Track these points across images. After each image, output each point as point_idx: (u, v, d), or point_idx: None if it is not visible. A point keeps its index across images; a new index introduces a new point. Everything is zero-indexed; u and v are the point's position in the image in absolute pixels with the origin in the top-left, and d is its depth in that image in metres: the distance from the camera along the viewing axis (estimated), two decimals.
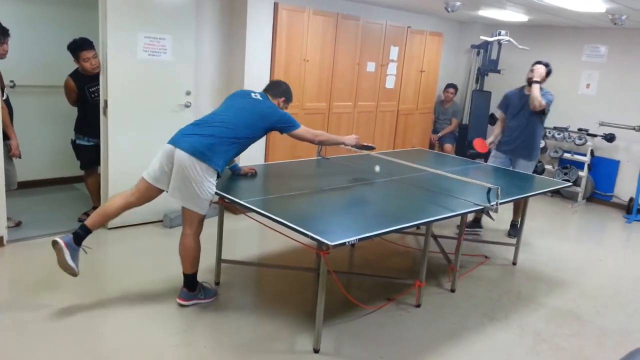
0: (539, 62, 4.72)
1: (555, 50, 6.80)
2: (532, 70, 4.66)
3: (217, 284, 3.47)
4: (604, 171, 6.54)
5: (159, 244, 4.15)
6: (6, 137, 3.85)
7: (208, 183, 2.90)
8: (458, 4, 4.97)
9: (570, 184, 4.82)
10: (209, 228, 3.92)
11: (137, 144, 4.23)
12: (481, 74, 7.09)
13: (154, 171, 2.98)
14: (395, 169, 3.93)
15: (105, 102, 4.06)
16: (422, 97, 6.70)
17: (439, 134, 7.05)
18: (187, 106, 4.46)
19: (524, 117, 4.73)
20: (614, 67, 6.40)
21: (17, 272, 3.47)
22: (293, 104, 5.11)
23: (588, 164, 6.34)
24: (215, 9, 4.74)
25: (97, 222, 3.01)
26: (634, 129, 6.07)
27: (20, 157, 4.03)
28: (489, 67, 6.93)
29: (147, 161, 4.28)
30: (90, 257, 3.86)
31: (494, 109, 7.18)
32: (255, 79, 4.79)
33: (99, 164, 4.31)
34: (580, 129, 6.47)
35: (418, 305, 3.41)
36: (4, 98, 3.83)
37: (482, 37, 6.79)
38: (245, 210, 3.01)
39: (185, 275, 3.11)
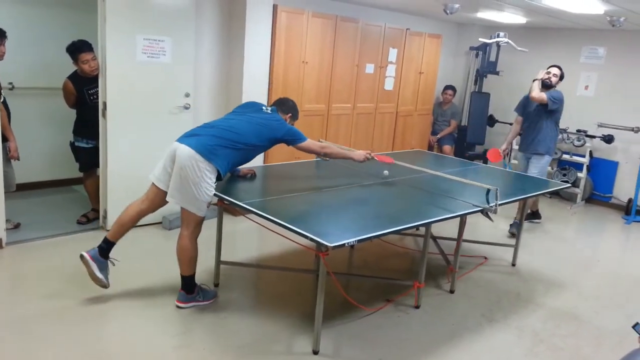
0: (554, 66, 5.08)
1: (554, 52, 6.82)
2: (548, 72, 4.99)
3: (217, 285, 3.47)
4: (602, 172, 6.55)
5: (158, 245, 4.15)
6: (5, 139, 3.86)
7: (206, 184, 2.90)
8: (456, 6, 4.99)
9: (569, 185, 4.83)
10: (208, 230, 3.92)
11: (136, 146, 4.23)
12: (480, 76, 7.11)
13: (158, 171, 3.03)
14: (394, 171, 3.93)
15: (104, 104, 4.07)
16: (420, 99, 6.72)
17: (438, 136, 7.06)
18: (186, 108, 4.47)
19: (534, 116, 5.05)
20: (612, 68, 6.42)
21: (15, 274, 3.47)
22: None
23: (587, 165, 6.35)
24: (214, 11, 4.75)
25: (116, 232, 3.11)
26: (633, 130, 6.08)
27: (18, 159, 4.03)
28: (487, 68, 6.94)
29: (146, 163, 4.28)
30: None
31: (493, 110, 7.22)
32: (254, 81, 4.80)
33: (97, 166, 4.31)
34: (578, 130, 6.48)
35: (417, 307, 3.42)
36: (1, 100, 3.83)
37: (480, 39, 6.80)
38: (244, 211, 3.01)
39: (182, 277, 3.11)
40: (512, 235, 4.94)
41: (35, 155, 4.99)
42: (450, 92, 7.03)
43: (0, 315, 2.91)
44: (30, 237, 4.00)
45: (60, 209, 4.68)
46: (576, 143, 6.44)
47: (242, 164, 3.25)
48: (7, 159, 3.95)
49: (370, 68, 5.86)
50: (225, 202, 3.11)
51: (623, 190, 6.43)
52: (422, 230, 3.45)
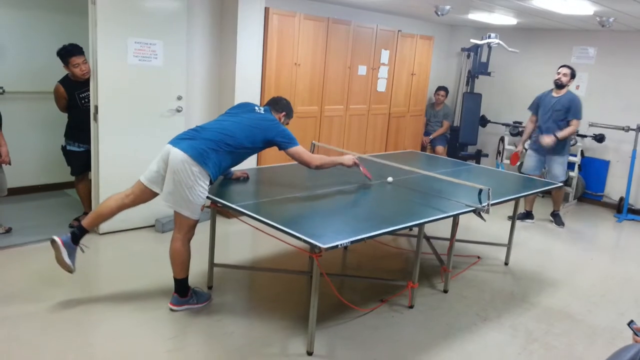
0: (564, 66, 5.22)
1: (545, 52, 6.87)
2: (558, 73, 5.16)
3: (210, 288, 3.47)
4: (594, 171, 6.60)
5: (151, 248, 4.13)
6: None
7: (200, 188, 2.89)
8: (448, 7, 5.01)
9: (561, 184, 4.86)
10: (201, 232, 3.91)
11: (128, 150, 4.22)
12: (472, 77, 7.14)
13: (150, 173, 3.02)
14: (387, 172, 3.94)
15: (96, 107, 4.05)
16: (413, 100, 6.74)
17: (431, 137, 7.08)
18: (178, 111, 4.46)
19: (552, 119, 5.19)
20: (602, 68, 6.47)
21: (6, 280, 3.44)
22: None
23: (578, 165, 6.39)
24: (206, 14, 4.74)
25: (92, 222, 3.11)
26: (623, 130, 6.12)
27: (10, 164, 4.01)
28: (479, 69, 6.98)
29: (138, 166, 4.26)
30: (82, 262, 3.84)
31: (485, 110, 7.26)
32: (247, 83, 4.80)
33: (89, 169, 4.29)
34: None
35: (411, 307, 3.42)
36: None
37: (472, 40, 6.84)
38: (237, 214, 3.01)
39: (175, 280, 3.10)
40: (558, 225, 5.51)
41: (26, 159, 4.96)
42: (442, 93, 7.06)
43: None
44: (21, 241, 3.98)
45: (52, 213, 4.66)
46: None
47: (234, 166, 3.25)
48: None
49: (362, 70, 5.88)
50: (219, 204, 3.10)
51: (615, 188, 6.48)
52: (416, 230, 3.46)
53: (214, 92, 4.95)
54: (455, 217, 3.48)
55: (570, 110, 5.14)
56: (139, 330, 2.91)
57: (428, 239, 4.15)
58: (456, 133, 7.16)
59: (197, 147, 2.88)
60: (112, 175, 4.17)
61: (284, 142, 3.18)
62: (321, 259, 2.61)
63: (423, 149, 7.08)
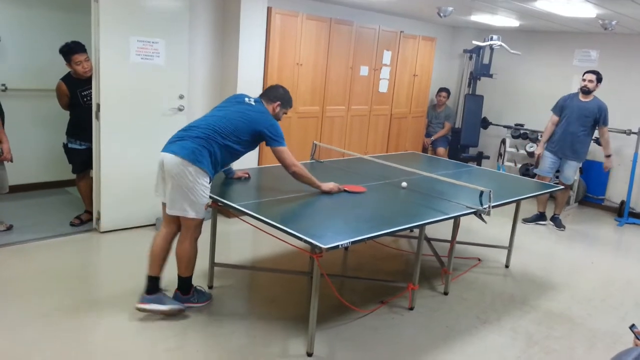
0: (589, 72, 5.26)
1: (547, 54, 6.86)
2: (584, 80, 5.21)
3: (210, 287, 3.47)
4: (595, 175, 6.59)
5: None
6: None
7: (200, 186, 2.87)
8: (450, 9, 5.01)
9: (562, 187, 4.86)
10: (202, 232, 3.91)
11: (130, 148, 4.22)
12: (473, 78, 7.14)
13: (157, 185, 3.00)
14: (389, 173, 3.94)
15: (98, 105, 4.05)
16: (415, 101, 6.73)
17: (432, 138, 7.08)
18: (180, 110, 4.46)
19: (579, 124, 5.24)
20: (604, 71, 6.41)
21: (7, 277, 3.44)
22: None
23: (580, 168, 6.38)
24: (208, 13, 4.74)
25: (152, 266, 3.05)
26: (625, 133, 6.12)
27: (12, 161, 4.01)
28: (481, 71, 6.98)
29: (139, 165, 4.29)
30: (82, 260, 3.85)
31: (486, 112, 7.25)
32: (249, 83, 4.80)
33: (91, 167, 4.30)
34: None
35: (411, 308, 3.42)
36: None
37: (474, 42, 6.83)
38: (238, 213, 3.01)
39: (179, 278, 3.10)
40: (559, 228, 5.52)
41: (28, 157, 4.96)
42: (444, 94, 7.05)
43: None
44: (22, 239, 3.98)
45: (53, 211, 4.66)
46: None
47: (231, 162, 3.17)
48: (0, 161, 3.93)
49: (364, 70, 5.87)
50: (219, 203, 3.10)
51: (616, 192, 6.47)
52: (416, 232, 3.46)
53: (216, 91, 4.95)
54: (456, 219, 3.48)
55: (599, 117, 5.20)
56: (139, 329, 2.91)
57: (429, 240, 4.14)
58: (457, 135, 7.15)
59: (188, 146, 2.84)
60: (113, 174, 4.18)
61: (271, 138, 3.04)
62: (322, 259, 2.61)
63: (424, 150, 7.07)
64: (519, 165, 6.98)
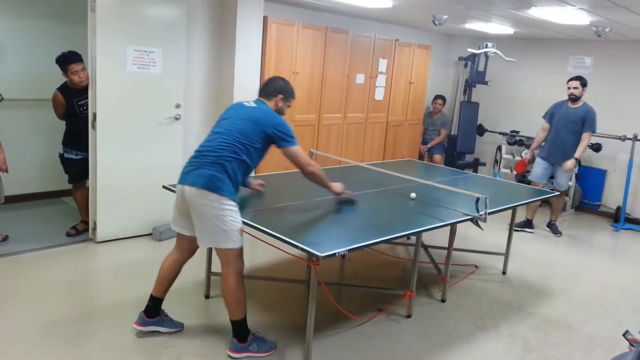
0: (572, 79, 5.28)
1: (541, 61, 6.91)
2: (569, 88, 5.23)
3: (207, 297, 3.45)
4: (591, 180, 6.62)
5: (148, 257, 4.11)
6: None
7: (228, 212, 2.62)
8: (445, 17, 5.05)
9: (558, 193, 4.88)
10: None
11: (126, 157, 4.22)
12: (469, 86, 7.17)
13: (175, 218, 2.83)
14: (385, 180, 3.95)
15: (94, 115, 4.05)
16: (411, 109, 6.77)
17: (428, 145, 7.10)
18: (176, 119, 4.46)
19: (568, 130, 5.26)
20: (599, 78, 6.51)
21: (2, 288, 3.42)
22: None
23: (576, 174, 6.41)
24: (205, 22, 4.77)
25: (158, 288, 2.92)
26: (620, 139, 6.15)
27: (7, 171, 4.00)
28: (476, 78, 7.01)
29: (136, 174, 4.28)
30: (78, 271, 3.83)
31: (482, 119, 7.28)
32: (245, 92, 4.80)
33: (87, 177, 4.29)
34: None
35: (409, 316, 3.42)
36: None
37: (469, 50, 6.88)
38: None
39: (232, 322, 2.76)
40: (555, 234, 5.53)
41: (24, 167, 4.95)
42: (440, 101, 7.08)
43: None
44: (18, 249, 3.96)
45: (49, 221, 4.64)
46: None
47: (249, 174, 2.99)
48: None
49: (360, 78, 5.90)
50: None
51: (611, 198, 6.49)
52: (413, 239, 3.46)
53: (213, 100, 4.96)
54: (453, 226, 3.49)
55: (585, 122, 5.20)
56: (136, 340, 2.90)
57: (426, 247, 4.15)
58: (453, 142, 7.18)
59: (204, 175, 2.62)
60: (109, 183, 4.17)
61: (281, 138, 2.81)
62: (319, 267, 2.60)
63: (421, 157, 7.09)
64: (515, 172, 7.00)
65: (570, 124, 5.25)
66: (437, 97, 7.11)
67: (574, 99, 5.24)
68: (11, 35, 4.77)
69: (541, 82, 6.95)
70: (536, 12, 4.57)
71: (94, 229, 4.26)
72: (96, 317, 3.11)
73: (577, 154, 5.25)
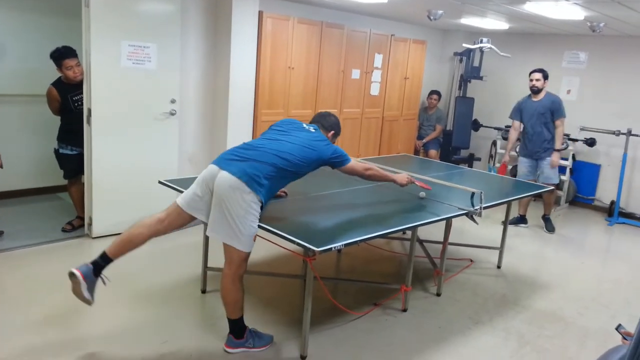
0: (534, 71, 5.27)
1: (536, 56, 6.92)
2: (531, 80, 5.24)
3: (204, 292, 3.46)
4: (585, 175, 6.65)
5: (144, 253, 4.09)
6: None
7: (251, 217, 2.56)
8: (440, 12, 5.05)
9: (552, 188, 4.90)
10: (195, 236, 3.91)
11: (121, 153, 4.21)
12: (464, 81, 7.19)
13: (191, 197, 2.68)
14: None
15: (89, 110, 4.04)
16: (406, 104, 6.77)
17: (424, 140, 7.11)
18: (172, 114, 4.45)
19: (539, 122, 5.27)
20: (593, 73, 6.54)
21: None
22: (278, 111, 5.18)
23: (570, 168, 6.44)
24: (200, 17, 4.75)
25: (119, 250, 2.74)
26: (614, 134, 6.18)
27: (2, 167, 3.99)
28: (471, 74, 7.03)
29: (131, 169, 4.28)
30: (74, 266, 3.82)
31: (477, 114, 7.30)
32: (240, 86, 4.81)
33: (82, 173, 4.28)
34: None
35: (404, 310, 3.43)
36: None
37: (464, 45, 6.89)
38: None
39: (228, 320, 2.80)
40: (548, 230, 5.52)
41: (19, 162, 4.93)
42: (435, 97, 7.09)
43: None
44: (14, 245, 3.96)
45: (44, 217, 4.63)
46: None
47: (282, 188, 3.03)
48: None
49: (356, 73, 5.90)
50: None
51: (605, 192, 6.53)
52: (409, 233, 3.47)
53: (208, 95, 4.95)
54: (448, 220, 3.50)
55: (554, 111, 5.22)
56: (132, 335, 2.90)
57: (421, 242, 4.16)
58: (449, 137, 7.20)
59: (250, 171, 2.55)
60: (104, 179, 4.16)
61: (339, 162, 2.92)
62: (315, 262, 2.62)
63: (416, 152, 7.11)
64: (510, 167, 7.03)
65: (540, 116, 5.25)
66: (433, 92, 7.12)
67: (536, 91, 5.25)
68: (5, 30, 4.74)
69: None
70: (531, 7, 4.58)
71: (90, 224, 4.25)
72: (91, 312, 3.11)
73: (557, 145, 5.26)
